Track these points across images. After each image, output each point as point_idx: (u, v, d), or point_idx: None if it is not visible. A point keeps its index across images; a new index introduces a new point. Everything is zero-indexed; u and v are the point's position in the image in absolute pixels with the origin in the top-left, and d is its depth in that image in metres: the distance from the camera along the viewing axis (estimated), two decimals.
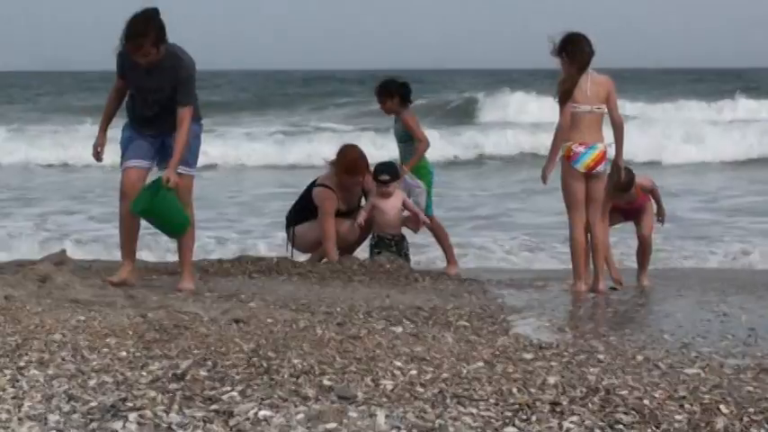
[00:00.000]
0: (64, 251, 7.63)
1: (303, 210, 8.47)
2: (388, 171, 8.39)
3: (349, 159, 8.36)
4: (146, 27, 6.25)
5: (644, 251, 7.92)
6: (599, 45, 7.32)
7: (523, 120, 28.83)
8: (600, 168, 7.31)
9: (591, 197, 7.34)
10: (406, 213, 8.51)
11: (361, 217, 8.36)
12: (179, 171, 6.40)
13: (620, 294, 7.29)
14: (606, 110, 7.30)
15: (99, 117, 6.85)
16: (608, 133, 7.36)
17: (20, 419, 3.56)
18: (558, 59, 7.29)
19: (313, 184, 8.52)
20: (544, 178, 7.36)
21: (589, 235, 7.39)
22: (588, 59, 7.23)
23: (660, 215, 8.03)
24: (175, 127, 6.37)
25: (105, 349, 4.44)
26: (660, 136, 22.94)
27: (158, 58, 6.32)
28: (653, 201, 7.95)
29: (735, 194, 15.44)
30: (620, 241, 9.09)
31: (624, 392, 3.94)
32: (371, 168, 8.49)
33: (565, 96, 7.20)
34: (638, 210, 7.89)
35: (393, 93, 8.83)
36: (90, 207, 13.64)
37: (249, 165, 21.41)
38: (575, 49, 7.22)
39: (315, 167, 11.17)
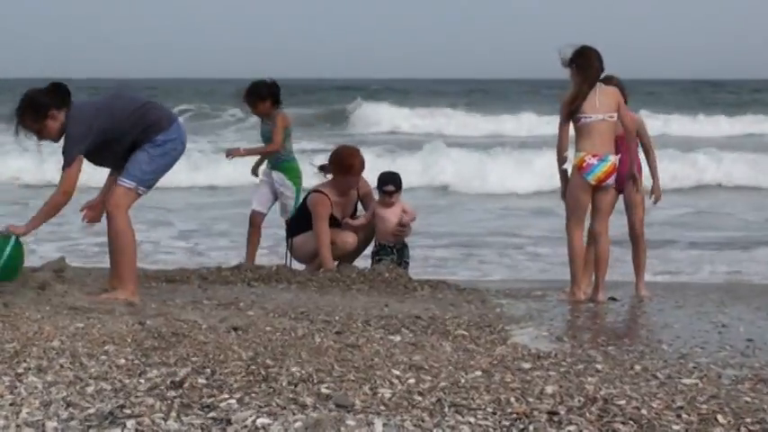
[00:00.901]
0: (63, 258, 7.63)
1: (302, 220, 8.46)
2: (393, 182, 8.41)
3: (343, 157, 8.39)
4: (19, 111, 6.31)
5: (638, 252, 7.83)
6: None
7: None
8: (609, 181, 7.31)
9: (597, 208, 7.35)
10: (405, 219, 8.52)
11: (359, 221, 8.39)
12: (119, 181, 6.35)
13: (618, 304, 7.29)
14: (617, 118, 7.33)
15: None
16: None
17: (18, 426, 3.56)
18: (568, 70, 7.32)
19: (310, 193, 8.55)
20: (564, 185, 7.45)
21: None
22: (598, 75, 7.25)
23: (654, 191, 7.94)
24: (122, 157, 6.37)
25: (104, 356, 4.44)
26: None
27: (58, 126, 6.28)
28: (645, 171, 7.82)
29: None
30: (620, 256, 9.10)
31: (622, 402, 3.95)
32: (376, 178, 8.51)
33: (573, 112, 7.20)
34: (625, 172, 7.77)
35: (264, 95, 8.89)
36: None
37: None
38: (585, 64, 7.23)
39: None
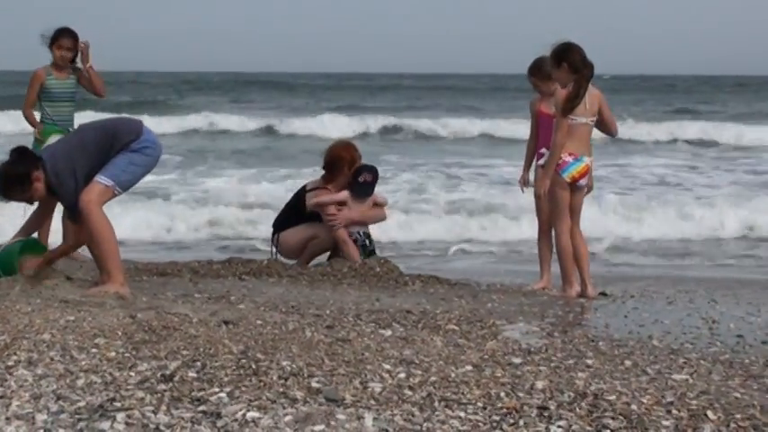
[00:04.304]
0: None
1: (290, 217, 8.54)
2: (370, 171, 8.61)
3: (342, 152, 8.57)
4: (4, 191, 6.48)
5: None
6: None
7: None
8: (582, 182, 7.35)
9: (572, 208, 7.39)
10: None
11: (338, 196, 8.46)
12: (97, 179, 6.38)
13: (608, 300, 7.30)
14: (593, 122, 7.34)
15: None
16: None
17: (7, 419, 3.55)
18: (556, 70, 7.25)
19: (302, 190, 8.61)
20: (539, 189, 7.39)
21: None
22: (592, 72, 7.21)
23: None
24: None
25: (94, 349, 4.44)
26: None
27: (42, 184, 6.39)
28: None
29: None
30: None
31: (612, 397, 3.95)
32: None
33: (572, 108, 7.15)
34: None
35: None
36: None
37: None
38: (577, 61, 7.16)
39: None
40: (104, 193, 6.35)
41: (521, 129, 28.08)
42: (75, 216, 6.38)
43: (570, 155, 7.23)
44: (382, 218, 8.76)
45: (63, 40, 8.65)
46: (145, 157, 6.46)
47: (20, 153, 6.45)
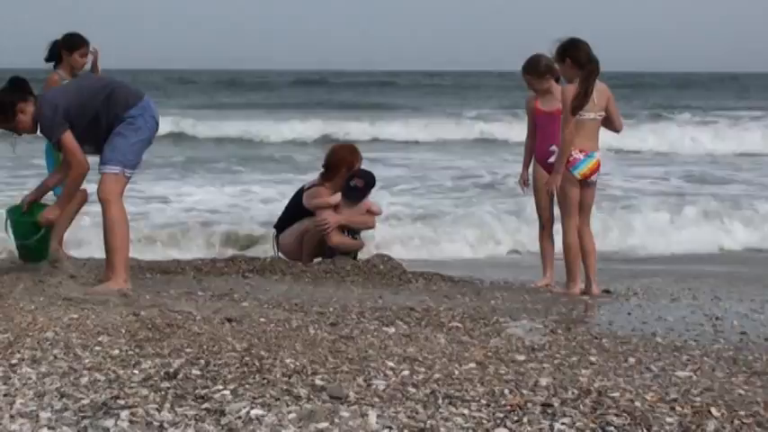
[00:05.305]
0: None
1: (290, 217, 8.56)
2: (362, 177, 8.55)
3: (344, 154, 8.56)
4: None
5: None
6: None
7: None
8: (594, 178, 7.33)
9: (581, 203, 7.37)
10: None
11: (332, 198, 8.47)
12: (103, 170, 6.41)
13: (612, 297, 7.30)
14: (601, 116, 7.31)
15: None
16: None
17: (11, 417, 3.56)
18: (561, 65, 7.25)
19: (301, 191, 8.63)
20: (550, 186, 7.35)
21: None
22: (599, 69, 7.18)
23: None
24: (102, 140, 6.46)
25: (98, 347, 4.44)
26: None
27: (29, 117, 6.43)
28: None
29: None
30: None
31: (616, 394, 3.95)
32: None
33: (579, 107, 7.12)
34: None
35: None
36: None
37: None
38: (583, 57, 7.13)
39: None
40: (118, 181, 6.40)
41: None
42: (54, 144, 6.47)
43: (581, 151, 7.21)
44: (370, 226, 8.73)
45: (84, 47, 8.71)
46: (142, 129, 6.48)
47: (14, 83, 6.51)
